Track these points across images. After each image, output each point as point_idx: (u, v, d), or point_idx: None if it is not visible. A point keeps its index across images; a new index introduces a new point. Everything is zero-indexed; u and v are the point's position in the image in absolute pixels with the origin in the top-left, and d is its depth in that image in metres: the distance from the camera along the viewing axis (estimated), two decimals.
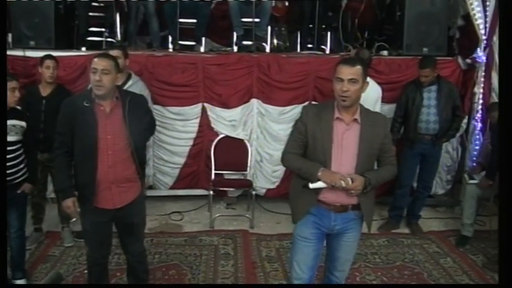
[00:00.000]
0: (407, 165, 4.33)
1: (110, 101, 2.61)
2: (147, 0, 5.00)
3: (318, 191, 2.36)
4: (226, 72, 4.57)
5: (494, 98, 4.68)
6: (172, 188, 4.83)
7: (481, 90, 4.63)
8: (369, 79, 3.84)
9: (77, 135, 2.59)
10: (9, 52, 4.03)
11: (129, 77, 3.94)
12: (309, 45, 5.40)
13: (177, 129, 4.63)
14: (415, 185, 4.58)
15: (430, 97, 4.15)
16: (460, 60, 4.76)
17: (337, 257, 2.55)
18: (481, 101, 4.64)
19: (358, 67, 2.27)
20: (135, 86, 3.93)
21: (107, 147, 2.59)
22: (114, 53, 3.84)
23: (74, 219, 3.64)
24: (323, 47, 5.39)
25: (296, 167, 2.42)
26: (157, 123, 4.44)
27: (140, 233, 2.95)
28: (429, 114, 4.15)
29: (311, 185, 2.31)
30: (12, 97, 3.01)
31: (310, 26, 5.40)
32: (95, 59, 2.56)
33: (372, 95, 3.88)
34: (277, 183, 4.82)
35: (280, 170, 4.68)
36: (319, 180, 2.29)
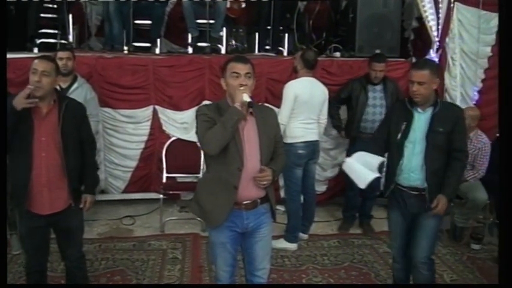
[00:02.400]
0: None
1: (47, 103, 2.62)
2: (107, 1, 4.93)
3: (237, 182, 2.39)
4: (177, 74, 4.51)
5: (447, 98, 4.76)
6: (124, 191, 4.75)
7: None
8: (314, 80, 3.94)
9: (13, 136, 2.57)
10: None
11: (74, 79, 3.88)
12: (267, 47, 5.39)
13: (128, 132, 4.56)
14: None
15: (375, 96, 4.14)
16: (414, 61, 4.81)
17: (256, 255, 2.56)
18: None
19: (249, 64, 2.47)
20: (81, 88, 3.88)
21: (41, 149, 2.59)
22: (64, 54, 3.83)
23: None
24: (281, 48, 5.36)
25: (219, 129, 2.32)
26: (108, 126, 4.49)
27: (77, 237, 2.90)
28: (375, 114, 4.13)
29: (245, 98, 2.34)
30: None
31: (269, 27, 5.39)
32: (35, 61, 2.60)
33: (318, 97, 3.89)
34: None
35: None
36: (242, 101, 2.33)
